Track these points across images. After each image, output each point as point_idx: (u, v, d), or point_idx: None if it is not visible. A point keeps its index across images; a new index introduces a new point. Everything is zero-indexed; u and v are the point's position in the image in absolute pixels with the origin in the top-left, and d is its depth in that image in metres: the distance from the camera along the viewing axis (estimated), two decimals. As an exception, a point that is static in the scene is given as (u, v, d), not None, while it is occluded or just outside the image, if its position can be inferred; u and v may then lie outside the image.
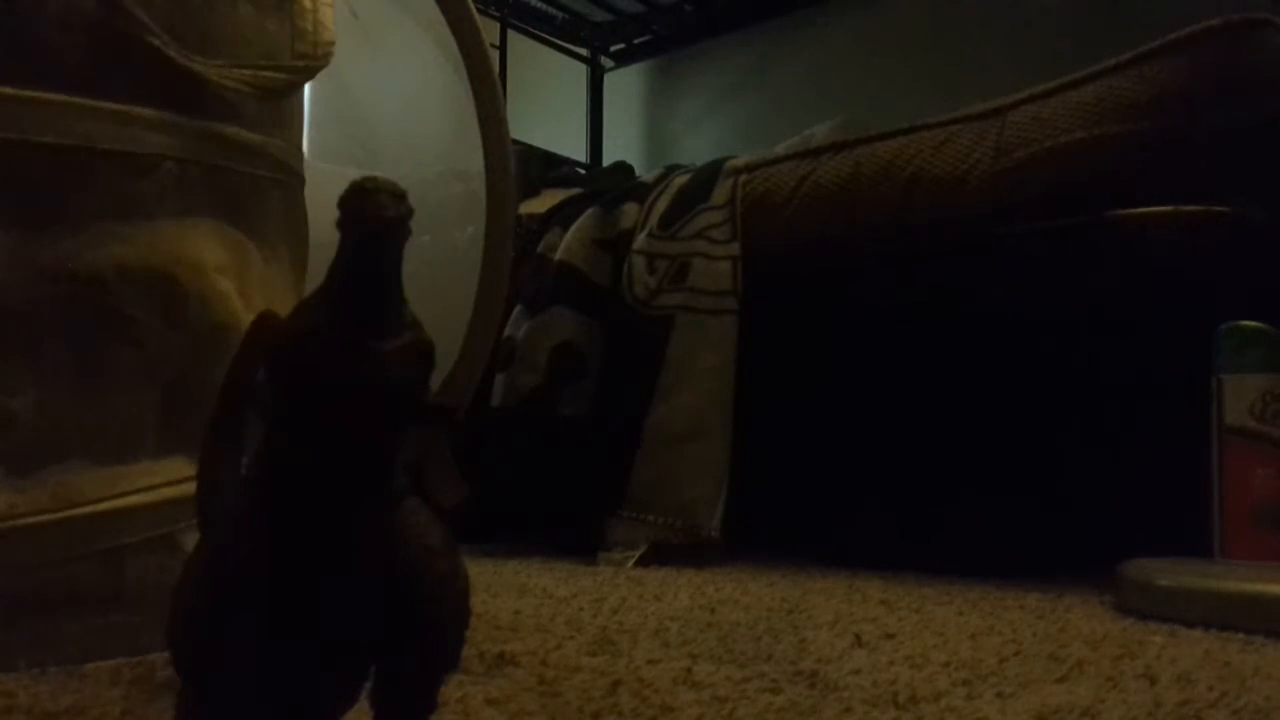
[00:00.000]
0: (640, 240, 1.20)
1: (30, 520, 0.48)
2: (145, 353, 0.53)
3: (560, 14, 2.34)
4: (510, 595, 0.76)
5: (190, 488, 0.30)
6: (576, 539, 1.10)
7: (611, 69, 2.48)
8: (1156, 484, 0.85)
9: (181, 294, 0.54)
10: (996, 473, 0.98)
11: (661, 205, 1.22)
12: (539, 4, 2.29)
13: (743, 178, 1.19)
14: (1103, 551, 0.80)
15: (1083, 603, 0.75)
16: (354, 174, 0.28)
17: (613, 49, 2.46)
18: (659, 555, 1.03)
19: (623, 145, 2.38)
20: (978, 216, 0.98)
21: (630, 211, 1.25)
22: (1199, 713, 0.43)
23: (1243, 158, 0.89)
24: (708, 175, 1.22)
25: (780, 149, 1.24)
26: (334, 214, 0.27)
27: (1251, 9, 0.91)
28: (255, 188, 0.60)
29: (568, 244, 1.25)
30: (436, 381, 0.31)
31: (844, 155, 1.12)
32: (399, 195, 0.27)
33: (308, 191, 0.67)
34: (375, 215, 0.27)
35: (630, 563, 1.02)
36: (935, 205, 1.01)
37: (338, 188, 0.27)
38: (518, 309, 1.24)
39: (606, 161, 2.28)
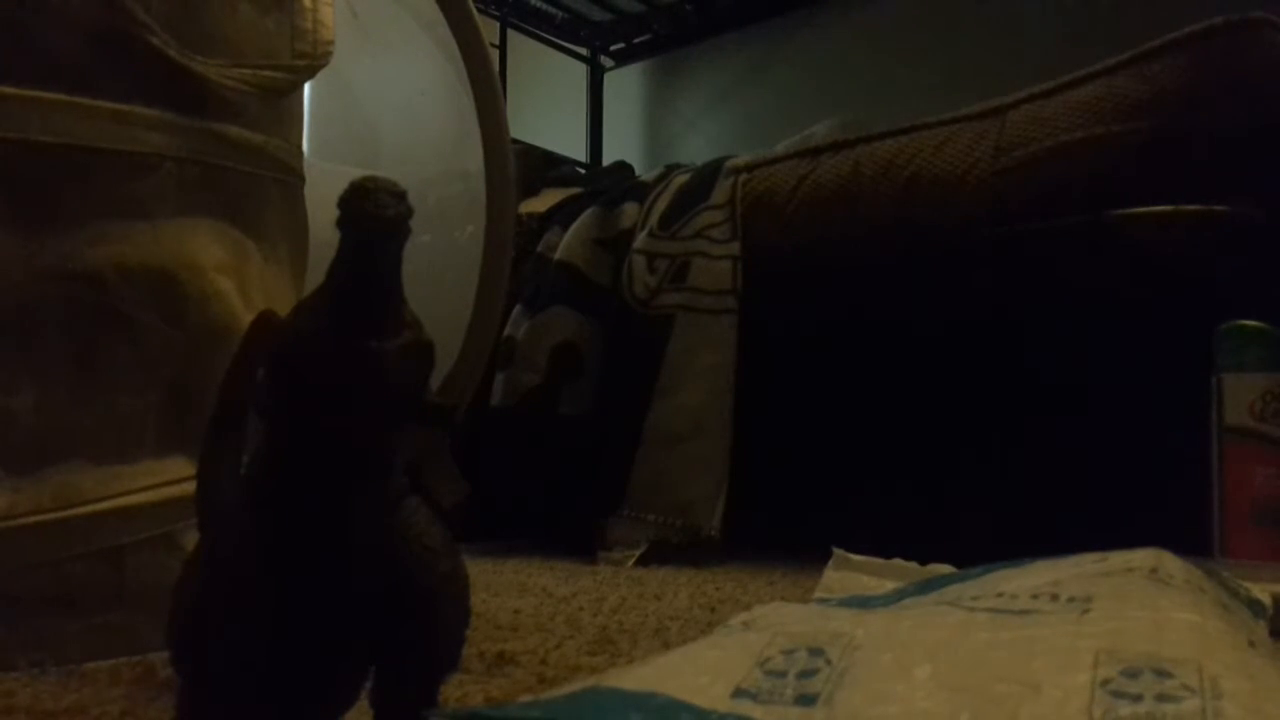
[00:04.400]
0: (640, 240, 1.20)
1: (30, 519, 0.48)
2: (145, 352, 0.53)
3: (560, 13, 2.34)
4: (510, 594, 0.76)
5: (190, 487, 0.30)
6: (576, 538, 1.10)
7: (611, 68, 2.48)
8: (1156, 483, 0.85)
9: (181, 293, 0.54)
10: (997, 472, 0.98)
11: (661, 205, 1.22)
12: (539, 3, 2.29)
13: (743, 177, 1.19)
14: (1102, 551, 0.80)
15: (1082, 602, 0.75)
16: (354, 173, 0.28)
17: (613, 48, 2.46)
18: (659, 554, 1.03)
19: (623, 145, 2.38)
20: (977, 216, 0.98)
21: (630, 211, 1.25)
22: (1199, 712, 0.43)
23: (1242, 157, 0.89)
24: (708, 175, 1.22)
25: (780, 148, 1.24)
26: (334, 213, 0.27)
27: (1251, 9, 0.91)
28: (255, 187, 0.60)
29: (568, 243, 1.25)
30: (436, 381, 0.31)
31: (844, 155, 1.12)
32: (399, 194, 0.27)
33: (308, 191, 0.67)
34: (375, 215, 0.27)
35: (630, 562, 1.02)
36: (935, 204, 1.01)
37: (338, 187, 0.27)
38: (518, 308, 1.24)
39: (606, 161, 2.27)
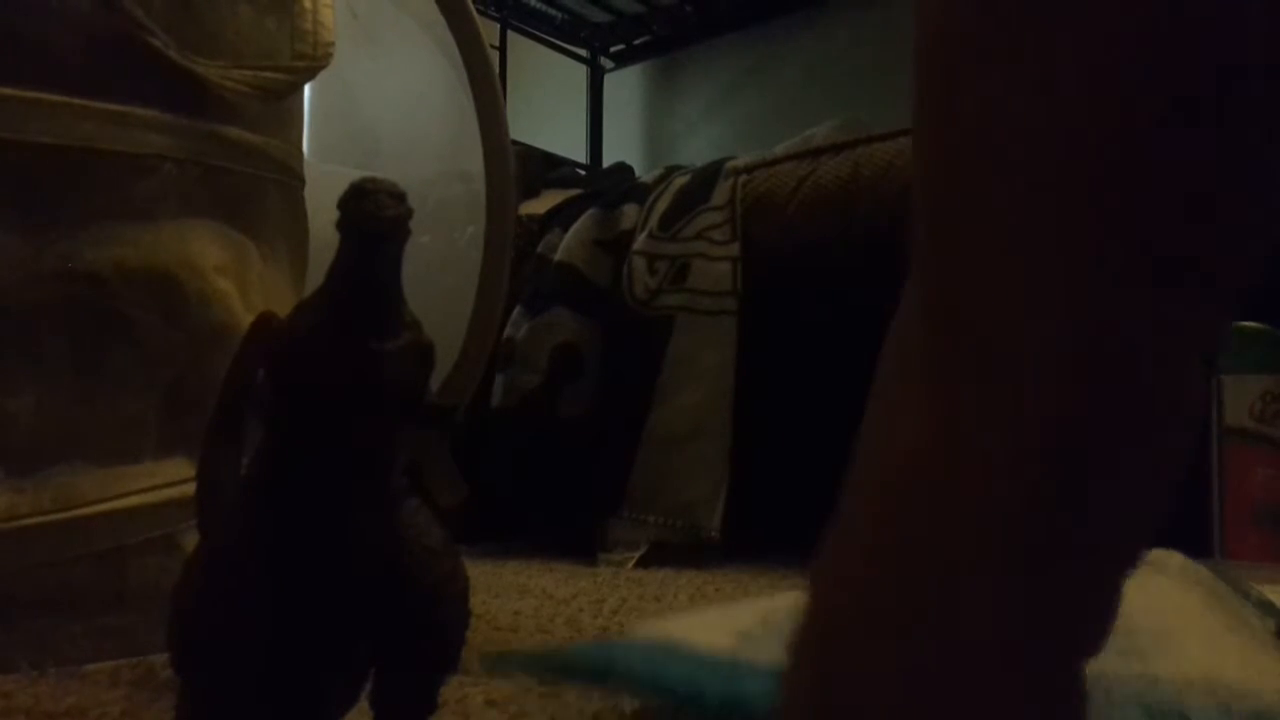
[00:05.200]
0: (640, 241, 1.20)
1: (31, 521, 0.48)
2: (145, 353, 0.53)
3: (560, 15, 2.34)
4: (510, 596, 0.76)
5: (190, 488, 0.30)
6: (576, 540, 1.09)
7: (611, 70, 2.48)
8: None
9: (181, 294, 0.54)
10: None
11: (661, 206, 1.22)
12: (539, 5, 2.29)
13: (743, 178, 1.19)
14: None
15: (1083, 603, 0.75)
16: (354, 174, 0.28)
17: (612, 50, 2.46)
18: (659, 556, 1.03)
19: (623, 146, 2.38)
20: (978, 217, 0.98)
21: (630, 212, 1.25)
22: (1199, 713, 0.43)
23: (1243, 158, 0.89)
24: (708, 176, 1.22)
25: (780, 150, 1.24)
26: (334, 214, 0.27)
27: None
28: (255, 188, 0.60)
29: (568, 245, 1.26)
30: (436, 382, 0.31)
31: (844, 156, 1.12)
32: (399, 196, 0.27)
33: (308, 192, 0.67)
34: (375, 216, 0.27)
35: (630, 563, 1.02)
36: (935, 206, 1.01)
37: (338, 188, 0.27)
38: (518, 309, 1.24)
39: (606, 162, 2.28)
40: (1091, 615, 0.19)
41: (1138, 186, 0.17)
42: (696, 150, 2.13)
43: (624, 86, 2.47)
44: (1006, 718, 0.18)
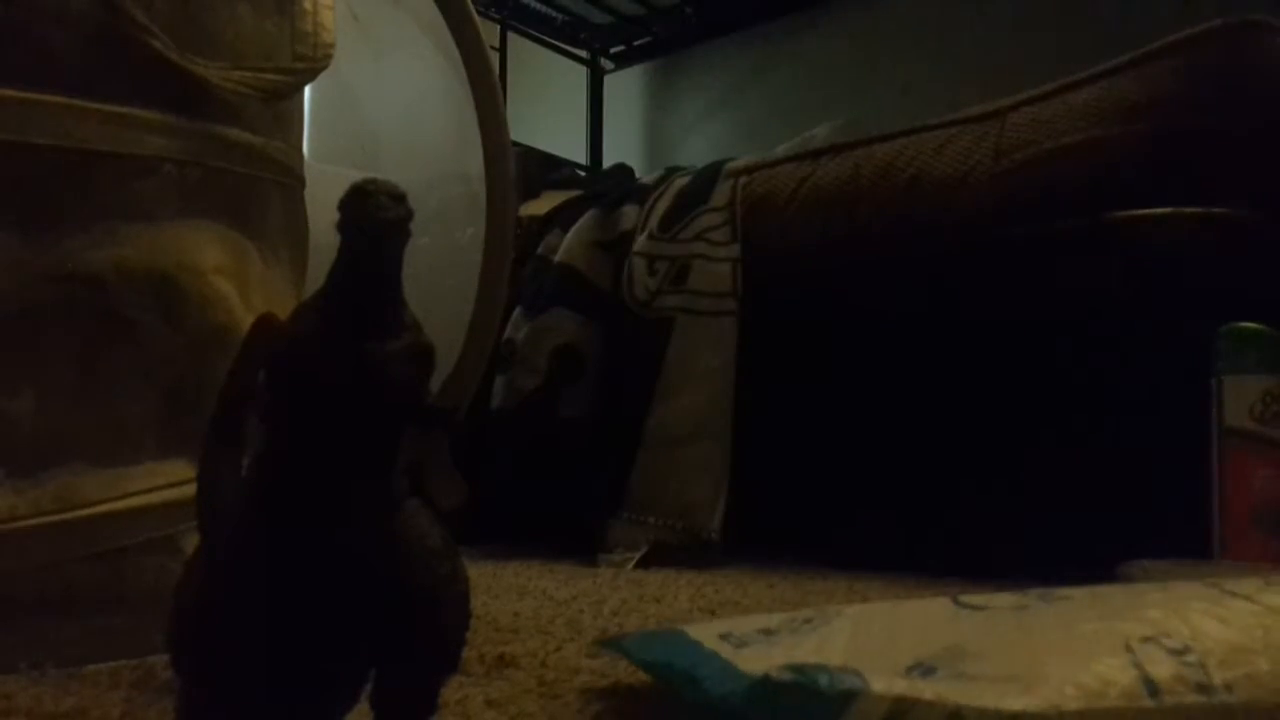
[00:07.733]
0: (640, 242, 1.20)
1: (31, 522, 0.48)
2: (145, 354, 0.53)
3: (560, 16, 2.34)
4: (510, 597, 0.76)
5: (191, 490, 0.30)
6: (576, 541, 1.10)
7: (611, 71, 2.48)
8: (1156, 485, 0.85)
9: (182, 295, 0.54)
10: (996, 473, 0.98)
11: (661, 207, 1.22)
12: (539, 6, 2.30)
13: (742, 180, 1.19)
14: (1103, 552, 0.80)
15: (1083, 604, 0.75)
16: (354, 176, 0.28)
17: (613, 51, 2.47)
18: (659, 557, 1.03)
19: (623, 147, 2.38)
20: (977, 218, 0.98)
21: (630, 213, 1.25)
22: (1199, 714, 0.42)
23: (1241, 159, 0.89)
24: (707, 177, 1.22)
25: (780, 151, 1.24)
26: (334, 216, 0.27)
27: (1252, 10, 0.91)
28: (255, 189, 0.60)
29: (568, 246, 1.26)
30: (436, 383, 0.31)
31: (844, 157, 1.13)
32: (399, 197, 0.27)
33: (308, 193, 0.67)
34: (375, 217, 0.27)
35: (630, 565, 1.02)
36: (935, 207, 1.01)
37: (338, 190, 0.27)
38: (518, 311, 1.24)
39: (606, 163, 2.28)
40: None
41: None
42: (696, 151, 2.13)
43: (624, 88, 2.47)
44: None
